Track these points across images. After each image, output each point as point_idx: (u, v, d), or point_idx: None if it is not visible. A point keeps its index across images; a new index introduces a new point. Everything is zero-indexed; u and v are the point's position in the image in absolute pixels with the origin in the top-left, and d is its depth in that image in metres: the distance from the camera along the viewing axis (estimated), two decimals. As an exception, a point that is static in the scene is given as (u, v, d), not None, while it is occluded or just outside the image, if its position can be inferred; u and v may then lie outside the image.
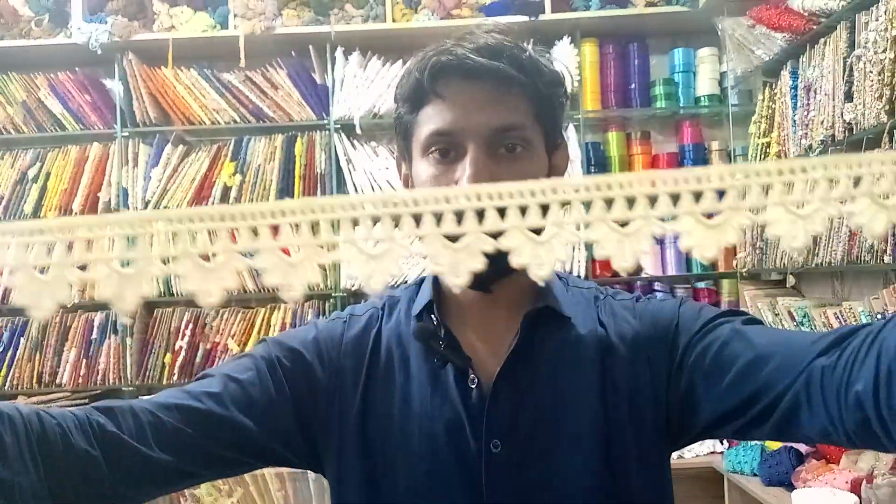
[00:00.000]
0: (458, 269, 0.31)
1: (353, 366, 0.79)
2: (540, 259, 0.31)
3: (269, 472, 2.59)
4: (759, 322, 0.74)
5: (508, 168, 0.72)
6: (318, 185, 2.78)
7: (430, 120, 0.74)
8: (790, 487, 2.00)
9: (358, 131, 2.78)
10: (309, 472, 2.55)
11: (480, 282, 0.74)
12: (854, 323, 1.94)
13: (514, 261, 0.31)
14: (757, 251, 2.52)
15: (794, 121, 2.29)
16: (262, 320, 2.78)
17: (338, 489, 0.79)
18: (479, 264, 0.31)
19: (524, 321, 0.76)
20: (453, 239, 0.31)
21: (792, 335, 0.68)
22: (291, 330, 0.85)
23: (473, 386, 0.74)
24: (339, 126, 2.80)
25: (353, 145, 2.81)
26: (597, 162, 2.82)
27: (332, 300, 2.77)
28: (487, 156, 0.72)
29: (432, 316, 0.78)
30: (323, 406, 0.78)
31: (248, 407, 0.74)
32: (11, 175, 2.83)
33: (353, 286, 2.75)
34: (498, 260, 0.77)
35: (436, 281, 0.81)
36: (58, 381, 2.77)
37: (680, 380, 0.74)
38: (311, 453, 0.79)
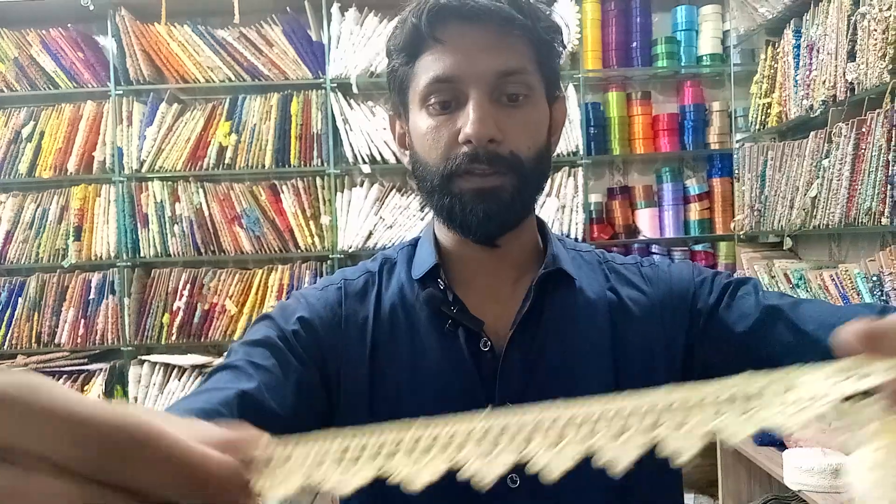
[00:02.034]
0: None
1: (356, 334, 0.76)
2: None
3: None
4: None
5: (511, 116, 0.70)
6: (315, 144, 2.76)
7: (429, 68, 0.71)
8: (781, 447, 2.02)
9: (354, 90, 2.75)
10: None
11: (486, 236, 0.73)
12: (850, 284, 1.94)
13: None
14: (755, 213, 2.50)
15: (796, 81, 2.25)
16: (260, 281, 2.78)
17: None
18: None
19: (535, 284, 0.74)
20: None
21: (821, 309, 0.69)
22: (284, 302, 0.79)
23: (486, 349, 0.73)
24: (335, 85, 2.76)
25: (349, 105, 2.78)
26: (596, 122, 2.78)
27: (329, 261, 2.76)
28: (490, 101, 0.69)
29: (438, 280, 0.76)
30: (333, 374, 0.74)
31: (286, 395, 0.69)
32: (5, 134, 2.81)
33: (349, 248, 2.75)
34: (503, 213, 0.71)
35: (436, 242, 0.79)
36: (56, 340, 2.79)
37: (703, 345, 0.74)
38: (330, 425, 0.75)
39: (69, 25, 2.82)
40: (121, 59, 2.77)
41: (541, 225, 0.82)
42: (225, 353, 0.73)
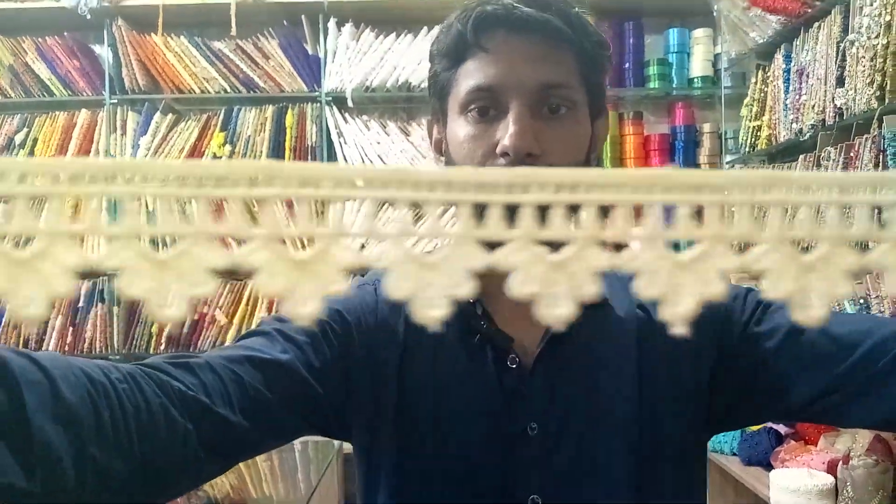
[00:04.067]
0: (561, 296, 0.23)
1: (388, 337, 0.75)
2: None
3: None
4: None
5: (552, 129, 0.68)
6: (309, 157, 2.77)
7: (471, 75, 0.69)
8: (769, 467, 2.03)
9: (350, 104, 2.76)
10: (295, 442, 2.57)
11: None
12: (837, 307, 1.96)
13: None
14: (744, 234, 2.53)
15: (786, 104, 2.29)
16: (250, 293, 2.77)
17: (367, 460, 0.76)
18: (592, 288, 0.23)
19: None
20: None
21: (869, 321, 0.70)
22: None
23: (514, 367, 0.72)
24: (330, 98, 2.77)
25: (344, 118, 2.79)
26: (588, 141, 2.81)
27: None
28: (531, 114, 0.68)
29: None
30: (360, 373, 0.74)
31: (313, 370, 0.69)
32: (-2, 140, 2.80)
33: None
34: None
35: None
36: (43, 347, 2.76)
37: (735, 362, 0.73)
38: (345, 423, 0.75)
39: (65, 34, 2.82)
40: (116, 69, 2.77)
41: None
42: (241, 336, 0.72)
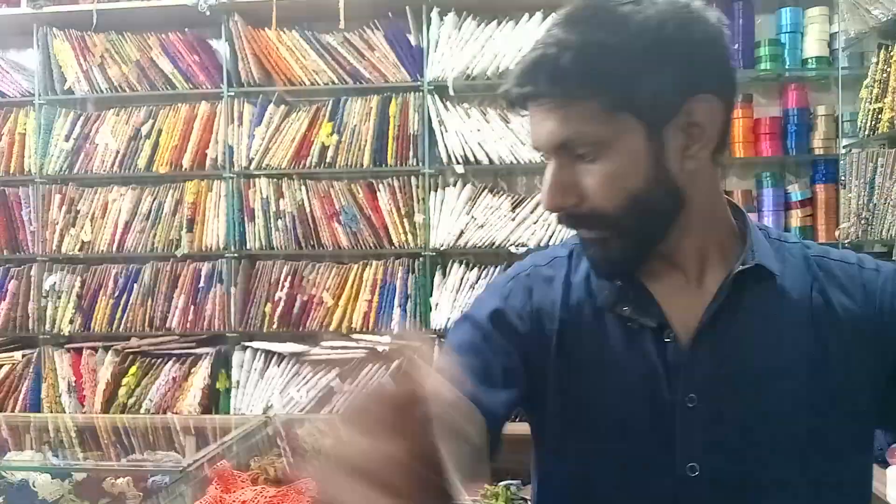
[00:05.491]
0: None
1: (546, 319, 0.79)
2: None
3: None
4: None
5: (589, 174, 0.71)
6: (412, 145, 2.84)
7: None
8: (884, 464, 1.96)
9: (451, 92, 2.81)
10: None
11: (605, 276, 0.76)
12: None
13: None
14: (862, 222, 2.42)
15: (912, 86, 2.17)
16: (355, 275, 2.89)
17: (541, 438, 0.82)
18: None
19: (729, 280, 0.73)
20: None
21: None
22: (479, 296, 0.85)
23: (668, 340, 0.74)
24: (432, 87, 2.83)
25: (445, 106, 2.84)
26: (693, 126, 2.74)
27: (421, 258, 2.84)
28: (562, 165, 0.71)
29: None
30: (529, 359, 0.79)
31: (511, 376, 0.77)
32: (126, 131, 3.02)
33: (441, 245, 2.82)
34: (609, 261, 0.76)
35: None
36: (167, 324, 2.98)
37: None
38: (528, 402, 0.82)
39: (186, 30, 3.00)
40: (233, 63, 2.93)
41: (739, 213, 0.79)
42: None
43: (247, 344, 2.94)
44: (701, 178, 0.73)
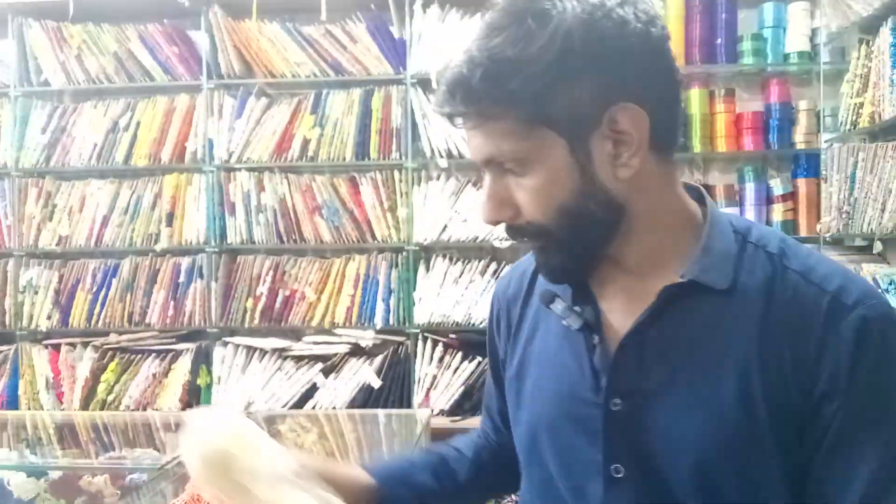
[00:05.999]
0: None
1: (512, 313, 0.89)
2: None
3: (341, 412, 2.70)
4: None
5: (520, 187, 0.71)
6: (394, 139, 2.82)
7: None
8: None
9: (434, 86, 2.79)
10: (380, 414, 2.65)
11: (554, 282, 0.79)
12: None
13: None
14: (843, 216, 2.43)
15: (893, 80, 2.18)
16: (338, 270, 2.87)
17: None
18: None
19: (662, 292, 0.72)
20: None
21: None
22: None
23: (595, 343, 0.75)
24: (415, 81, 2.81)
25: (428, 100, 2.82)
26: (676, 120, 2.75)
27: (404, 252, 2.83)
28: (496, 179, 0.72)
29: None
30: (502, 348, 0.91)
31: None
32: (104, 123, 2.97)
33: (424, 240, 2.80)
34: (555, 269, 0.78)
35: None
36: (147, 320, 2.94)
37: (816, 424, 0.68)
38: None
39: (165, 21, 2.96)
40: (213, 54, 2.89)
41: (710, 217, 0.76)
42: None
43: (228, 339, 2.91)
44: (645, 182, 0.71)
